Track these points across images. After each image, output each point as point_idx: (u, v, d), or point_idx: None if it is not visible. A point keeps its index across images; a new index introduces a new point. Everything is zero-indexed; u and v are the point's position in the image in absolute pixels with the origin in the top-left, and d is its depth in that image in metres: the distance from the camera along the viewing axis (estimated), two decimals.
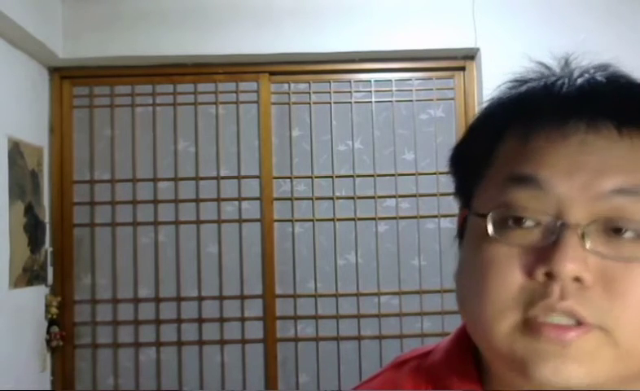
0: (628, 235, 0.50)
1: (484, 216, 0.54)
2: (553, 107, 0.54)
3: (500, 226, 0.53)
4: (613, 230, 0.50)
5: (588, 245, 0.49)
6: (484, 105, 0.61)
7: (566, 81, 0.56)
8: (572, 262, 0.49)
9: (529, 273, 0.50)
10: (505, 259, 0.52)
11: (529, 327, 0.50)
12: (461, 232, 0.61)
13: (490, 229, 0.53)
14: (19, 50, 3.10)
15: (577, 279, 0.49)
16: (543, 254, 0.50)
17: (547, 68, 0.59)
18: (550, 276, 0.49)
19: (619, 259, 0.49)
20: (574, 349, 0.49)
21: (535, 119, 0.54)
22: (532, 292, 0.50)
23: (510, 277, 0.51)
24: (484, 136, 0.58)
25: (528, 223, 0.52)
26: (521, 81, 0.59)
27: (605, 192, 0.50)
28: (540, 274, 0.50)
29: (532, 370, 0.50)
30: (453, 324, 3.47)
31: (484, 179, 0.57)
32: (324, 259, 3.41)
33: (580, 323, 0.49)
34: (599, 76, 0.55)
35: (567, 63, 0.58)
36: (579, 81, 0.55)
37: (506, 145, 0.56)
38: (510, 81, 0.59)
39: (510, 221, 0.53)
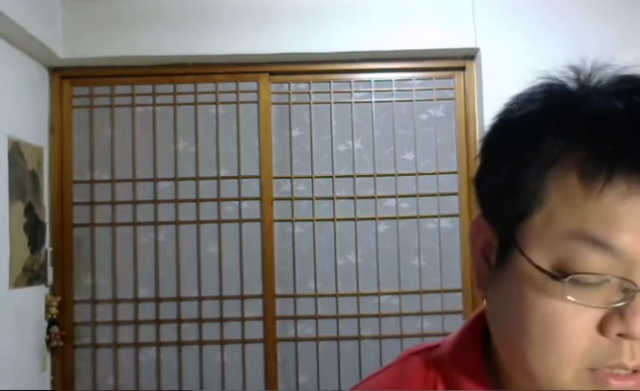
0: None
1: (556, 278, 0.51)
2: (620, 154, 0.48)
3: (565, 276, 0.51)
4: None
5: None
6: (512, 106, 0.56)
7: (621, 106, 0.51)
8: None
9: (601, 329, 0.51)
10: (576, 313, 0.51)
11: (594, 375, 0.51)
12: (486, 249, 0.59)
13: (569, 296, 0.50)
14: (19, 50, 3.10)
15: None
16: (617, 313, 0.50)
17: (580, 73, 0.55)
18: (622, 335, 0.50)
19: None
20: None
21: (595, 161, 0.49)
22: (602, 350, 0.51)
23: (580, 332, 0.51)
24: (525, 159, 0.53)
25: (593, 279, 0.50)
26: (554, 85, 0.55)
27: None
28: (613, 332, 0.50)
29: None
30: (453, 324, 3.48)
31: (532, 218, 0.53)
32: (324, 259, 3.41)
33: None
34: None
35: (590, 76, 0.55)
36: (633, 111, 0.50)
37: (562, 181, 0.51)
38: (541, 87, 0.55)
39: (575, 276, 0.51)
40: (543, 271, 0.51)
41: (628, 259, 0.49)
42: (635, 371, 0.50)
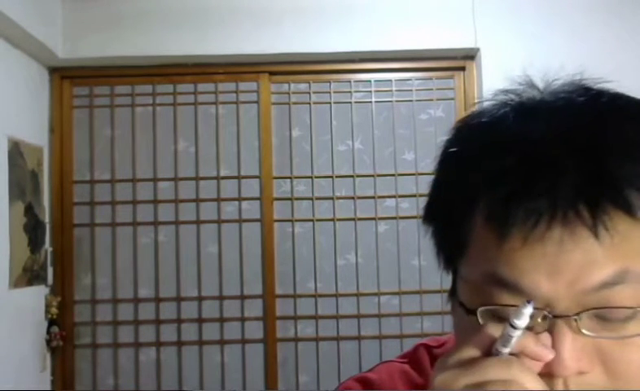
0: (620, 317, 0.51)
1: (473, 313, 0.54)
2: (524, 204, 0.51)
3: (489, 316, 0.53)
4: (605, 316, 0.51)
5: (583, 331, 0.50)
6: (450, 143, 0.60)
7: (537, 134, 0.53)
8: (571, 364, 0.50)
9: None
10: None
11: None
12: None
13: (481, 321, 0.53)
14: (19, 50, 3.10)
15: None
16: (542, 357, 0.50)
17: (507, 99, 0.57)
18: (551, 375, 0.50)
19: (615, 339, 0.50)
20: None
21: (508, 207, 0.52)
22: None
23: None
24: (457, 200, 0.57)
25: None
26: (491, 121, 0.56)
27: (590, 288, 0.50)
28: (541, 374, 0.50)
29: None
30: None
31: (464, 255, 0.56)
32: (324, 259, 3.41)
33: None
34: (567, 156, 0.51)
35: (533, 85, 0.57)
36: (548, 158, 0.52)
37: (477, 222, 0.54)
38: (475, 117, 0.58)
39: (497, 315, 0.52)
40: (465, 309, 0.55)
41: (541, 297, 0.51)
42: None
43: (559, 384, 0.50)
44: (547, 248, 0.51)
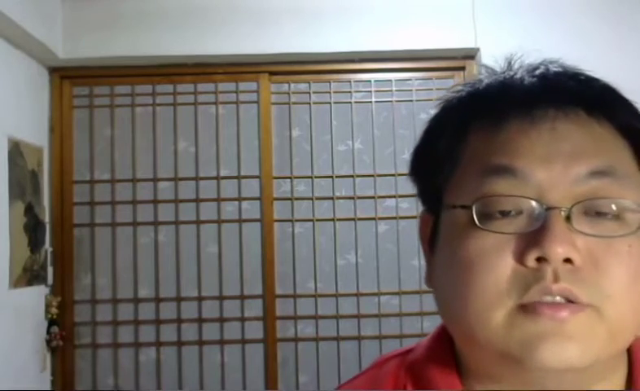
0: (607, 215, 0.52)
1: (467, 207, 0.54)
2: (519, 97, 0.55)
3: (483, 217, 0.53)
4: (594, 212, 0.52)
5: (574, 225, 0.51)
6: (439, 109, 0.62)
7: (524, 73, 0.58)
8: (562, 244, 0.50)
9: (520, 259, 0.51)
10: (493, 248, 0.52)
11: (525, 311, 0.50)
12: (430, 238, 0.61)
13: (476, 219, 0.53)
14: (19, 50, 3.10)
15: (568, 261, 0.50)
16: (532, 239, 0.50)
17: (494, 71, 0.61)
18: (541, 260, 0.50)
19: (603, 237, 0.51)
20: (570, 327, 0.49)
21: (502, 110, 0.55)
22: (524, 278, 0.51)
23: (500, 265, 0.51)
24: (446, 135, 0.59)
25: (512, 212, 0.53)
26: (473, 84, 0.60)
27: (582, 176, 0.52)
28: (531, 259, 0.50)
29: (528, 354, 0.50)
30: None
31: (454, 177, 0.57)
32: (324, 259, 3.41)
33: (572, 303, 0.50)
34: (555, 68, 0.57)
35: (511, 64, 0.61)
36: (537, 72, 0.57)
37: (473, 139, 0.57)
38: (462, 85, 0.61)
39: (492, 212, 0.53)
40: (459, 207, 0.55)
41: (535, 185, 0.52)
42: (568, 302, 0.50)
43: (549, 273, 0.50)
44: (541, 134, 0.53)
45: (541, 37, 3.18)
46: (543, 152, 0.52)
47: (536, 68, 0.58)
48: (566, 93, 0.54)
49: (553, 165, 0.52)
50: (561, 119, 0.53)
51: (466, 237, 0.53)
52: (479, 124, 0.57)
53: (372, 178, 3.43)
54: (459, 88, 0.61)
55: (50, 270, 3.31)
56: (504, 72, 0.60)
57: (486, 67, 0.61)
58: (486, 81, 0.60)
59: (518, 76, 0.58)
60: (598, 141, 0.53)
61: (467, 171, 0.56)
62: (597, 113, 0.54)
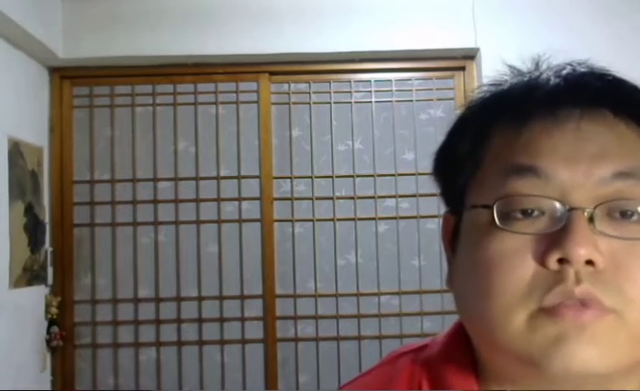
0: (632, 217, 0.51)
1: (488, 207, 0.53)
2: (543, 97, 0.54)
3: (504, 217, 0.52)
4: (617, 213, 0.51)
5: (597, 227, 0.50)
6: (463, 110, 0.61)
7: (551, 74, 0.57)
8: (584, 246, 0.49)
9: (541, 261, 0.50)
10: (514, 249, 0.51)
11: (546, 313, 0.50)
12: (451, 238, 0.60)
13: (497, 219, 0.52)
14: (19, 50, 3.10)
15: (590, 263, 0.49)
16: (554, 241, 0.50)
17: (520, 71, 0.60)
18: (562, 262, 0.49)
19: (627, 239, 0.50)
20: (591, 331, 0.49)
21: (526, 110, 0.54)
22: (545, 280, 0.50)
23: (522, 267, 0.51)
24: (470, 136, 0.58)
25: (534, 213, 0.52)
26: (498, 84, 0.59)
27: (606, 177, 0.51)
28: (553, 260, 0.50)
29: (549, 357, 0.49)
30: None
31: (476, 177, 0.57)
32: (324, 259, 3.41)
33: (594, 307, 0.49)
34: (582, 69, 0.56)
35: (538, 65, 0.59)
36: (563, 72, 0.56)
37: (496, 139, 0.56)
38: (487, 85, 0.60)
39: (514, 212, 0.52)
40: (480, 207, 0.54)
41: (558, 185, 0.51)
42: (587, 304, 0.49)
43: (571, 275, 0.49)
44: (565, 134, 0.52)
45: (541, 38, 3.18)
46: (567, 152, 0.52)
47: (563, 68, 0.57)
48: (591, 93, 0.54)
49: (577, 166, 0.51)
50: (586, 119, 0.53)
51: (487, 237, 0.53)
52: (502, 124, 0.56)
53: (372, 178, 3.43)
54: (484, 89, 0.60)
55: (50, 270, 3.30)
56: (530, 73, 0.59)
57: (512, 67, 0.60)
58: (510, 81, 0.59)
59: (544, 76, 0.57)
60: (624, 142, 0.52)
61: (490, 171, 0.55)
62: (624, 114, 0.53)
